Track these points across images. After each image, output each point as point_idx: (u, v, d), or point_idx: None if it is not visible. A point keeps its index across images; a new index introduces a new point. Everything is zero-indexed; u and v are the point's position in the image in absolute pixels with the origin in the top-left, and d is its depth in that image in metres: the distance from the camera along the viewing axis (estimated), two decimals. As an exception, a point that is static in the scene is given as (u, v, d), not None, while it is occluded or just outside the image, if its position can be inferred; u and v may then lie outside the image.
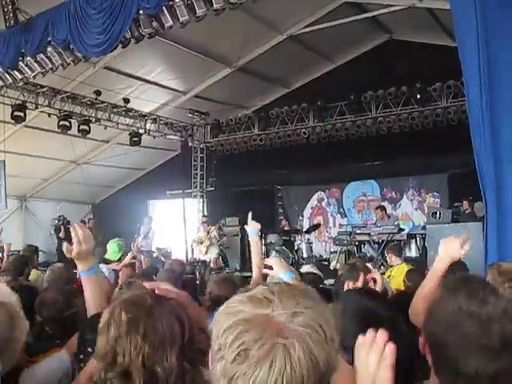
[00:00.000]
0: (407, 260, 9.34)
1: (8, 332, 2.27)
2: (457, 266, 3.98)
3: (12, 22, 9.76)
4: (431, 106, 13.79)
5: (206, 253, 14.24)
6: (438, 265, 2.74)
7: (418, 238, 11.70)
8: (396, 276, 5.03)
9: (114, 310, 1.69)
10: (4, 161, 13.41)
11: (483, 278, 1.54)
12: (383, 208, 13.39)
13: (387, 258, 8.12)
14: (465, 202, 11.83)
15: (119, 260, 7.37)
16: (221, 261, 14.17)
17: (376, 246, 11.87)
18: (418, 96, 13.57)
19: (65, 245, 2.61)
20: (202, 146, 18.40)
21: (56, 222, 15.87)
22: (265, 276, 3.41)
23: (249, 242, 3.97)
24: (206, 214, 17.81)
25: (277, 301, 1.03)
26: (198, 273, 10.17)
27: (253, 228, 3.84)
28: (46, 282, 5.30)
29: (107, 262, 7.40)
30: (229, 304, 1.07)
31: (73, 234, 2.57)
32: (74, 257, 2.58)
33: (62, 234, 15.23)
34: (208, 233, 14.39)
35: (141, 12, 8.21)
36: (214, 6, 7.89)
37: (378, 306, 2.21)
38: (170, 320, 1.66)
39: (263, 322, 0.99)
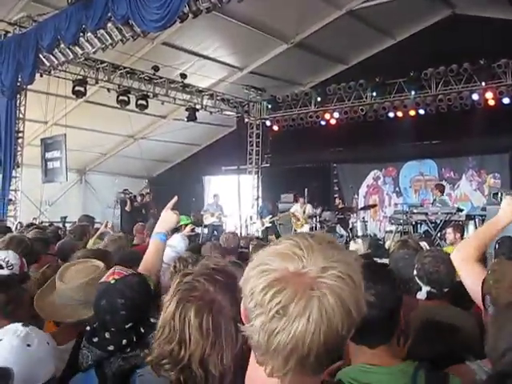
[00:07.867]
0: (465, 242, 9.02)
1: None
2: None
3: (74, -2, 9.96)
4: (494, 83, 13.28)
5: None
6: (499, 222, 2.67)
7: (477, 220, 11.31)
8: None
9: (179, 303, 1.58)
10: (65, 134, 13.72)
11: None
12: (442, 187, 12.92)
13: (447, 235, 7.80)
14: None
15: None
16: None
17: (433, 226, 11.58)
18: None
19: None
20: (257, 123, 18.36)
21: (122, 195, 16.02)
22: None
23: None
24: (260, 190, 17.88)
25: (306, 256, 1.07)
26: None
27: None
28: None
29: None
30: (259, 261, 1.10)
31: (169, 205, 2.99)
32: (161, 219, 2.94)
33: (127, 208, 15.52)
34: (304, 212, 13.86)
35: (199, -14, 8.23)
36: (273, -20, 7.81)
37: None
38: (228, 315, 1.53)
39: (296, 279, 1.05)
